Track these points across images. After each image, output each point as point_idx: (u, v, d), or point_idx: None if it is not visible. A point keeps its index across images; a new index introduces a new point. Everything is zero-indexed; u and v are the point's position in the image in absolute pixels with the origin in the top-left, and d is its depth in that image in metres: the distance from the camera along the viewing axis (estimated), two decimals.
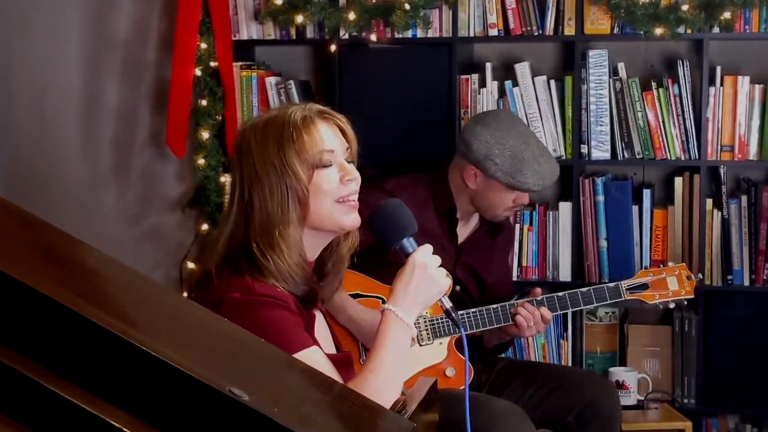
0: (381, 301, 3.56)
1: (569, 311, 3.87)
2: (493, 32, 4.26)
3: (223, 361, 1.40)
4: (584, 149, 4.23)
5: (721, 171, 4.16)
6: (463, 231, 3.79)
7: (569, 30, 4.21)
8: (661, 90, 4.18)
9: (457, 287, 3.71)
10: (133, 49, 4.53)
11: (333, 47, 4.32)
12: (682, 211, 4.21)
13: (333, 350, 2.52)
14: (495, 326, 3.61)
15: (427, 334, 3.60)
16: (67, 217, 4.19)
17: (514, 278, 4.24)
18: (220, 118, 4.39)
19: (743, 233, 4.17)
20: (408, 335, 2.33)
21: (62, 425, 1.20)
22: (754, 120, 4.15)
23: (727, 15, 4.05)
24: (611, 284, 3.67)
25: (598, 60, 4.19)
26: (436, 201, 3.71)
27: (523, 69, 4.27)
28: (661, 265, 3.86)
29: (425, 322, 3.58)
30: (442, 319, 3.58)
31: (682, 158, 4.19)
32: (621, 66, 4.23)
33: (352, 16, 4.22)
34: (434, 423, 1.97)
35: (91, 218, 4.41)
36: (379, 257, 3.06)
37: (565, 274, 4.29)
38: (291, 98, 4.35)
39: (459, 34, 4.28)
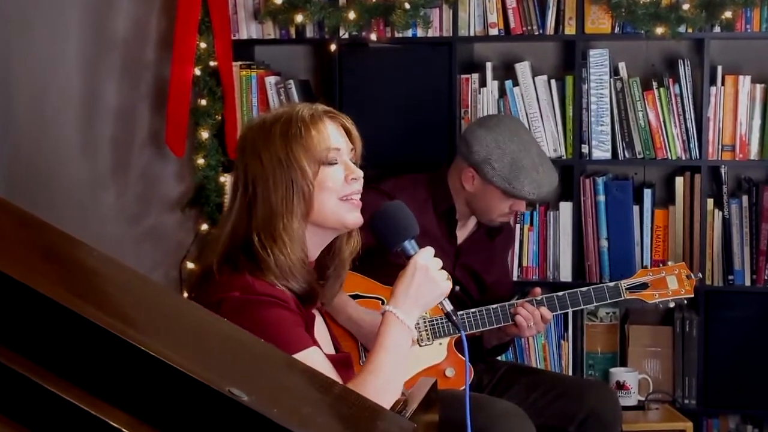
0: (380, 301, 3.55)
1: (569, 311, 3.86)
2: (494, 32, 4.26)
3: (222, 362, 1.40)
4: (585, 149, 4.23)
5: (722, 171, 4.16)
6: (463, 232, 3.79)
7: (570, 29, 4.21)
8: (662, 89, 4.17)
9: (457, 288, 3.70)
10: (132, 48, 4.52)
11: (333, 47, 4.31)
12: (683, 211, 4.20)
13: (332, 350, 2.52)
14: (495, 326, 3.60)
15: (427, 334, 3.59)
16: (66, 217, 4.18)
17: (515, 278, 4.24)
18: (220, 117, 4.38)
19: (744, 233, 4.16)
20: (408, 337, 2.33)
21: (61, 426, 1.19)
22: (755, 120, 4.14)
23: (728, 14, 4.04)
24: (611, 284, 3.66)
25: (598, 59, 4.19)
26: (435, 202, 3.70)
27: (523, 69, 4.26)
28: (662, 265, 3.85)
29: (425, 322, 3.57)
30: (441, 319, 3.57)
31: (683, 158, 4.18)
32: (622, 65, 4.23)
33: (352, 15, 4.21)
34: (434, 423, 1.97)
35: (91, 218, 4.41)
36: (378, 258, 3.05)
37: (565, 274, 4.28)
38: (291, 98, 4.34)
39: (459, 34, 4.27)
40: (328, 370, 2.25)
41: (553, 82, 4.26)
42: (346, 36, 4.31)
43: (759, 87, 4.14)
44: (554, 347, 4.32)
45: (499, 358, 3.98)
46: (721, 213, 4.16)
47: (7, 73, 3.99)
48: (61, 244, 1.46)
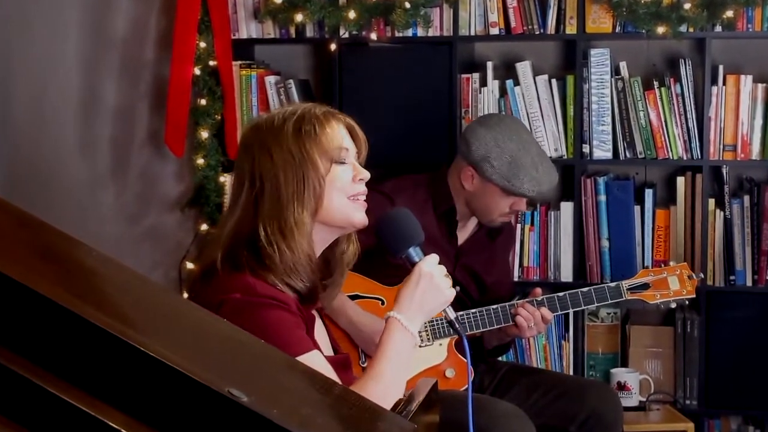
0: (380, 302, 3.55)
1: (570, 311, 3.85)
2: (494, 31, 4.25)
3: (222, 362, 1.40)
4: (586, 149, 4.22)
5: (724, 171, 4.15)
6: (463, 232, 3.78)
7: (571, 29, 4.20)
8: (663, 89, 4.16)
9: (457, 288, 3.68)
10: (131, 48, 4.52)
11: (333, 46, 4.30)
12: (684, 211, 4.20)
13: (330, 352, 2.52)
14: (495, 327, 3.59)
15: (427, 335, 3.58)
16: (65, 217, 4.18)
17: (516, 279, 4.23)
18: (220, 117, 4.37)
19: (746, 233, 4.15)
20: (411, 343, 2.35)
21: (60, 426, 1.19)
22: (756, 119, 4.14)
23: (729, 14, 4.03)
24: (612, 284, 3.65)
25: (599, 59, 4.18)
26: (435, 202, 3.69)
27: (524, 68, 4.26)
28: (663, 265, 3.84)
29: (424, 323, 3.56)
30: (441, 320, 3.56)
31: (685, 158, 4.18)
32: (623, 65, 4.22)
33: (352, 14, 4.21)
34: (435, 424, 1.95)
35: (90, 218, 4.40)
36: (378, 259, 3.05)
37: (566, 275, 4.27)
38: (291, 97, 4.34)
39: (460, 33, 4.26)
40: (328, 373, 2.24)
41: (554, 81, 4.25)
42: (346, 35, 4.30)
43: (760, 86, 4.13)
44: (555, 348, 4.31)
45: (500, 358, 3.97)
46: (722, 213, 4.15)
47: (7, 72, 3.99)
48: (60, 244, 1.46)
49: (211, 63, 4.34)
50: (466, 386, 3.50)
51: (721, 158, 4.17)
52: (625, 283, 3.64)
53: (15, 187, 3.99)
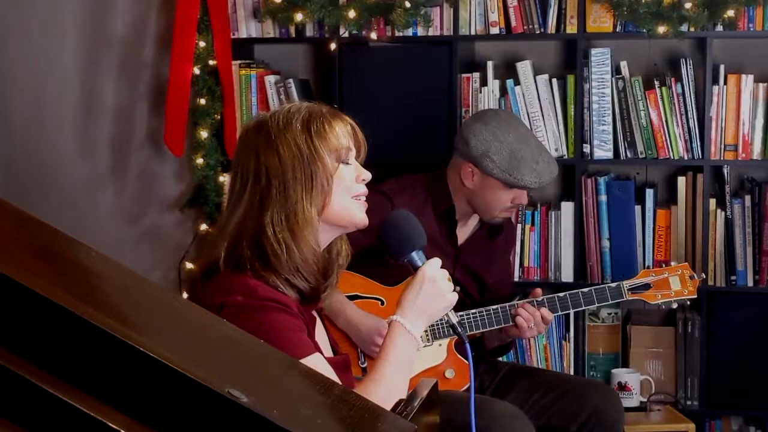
0: (380, 302, 3.55)
1: (571, 312, 3.84)
2: (495, 30, 4.24)
3: (221, 363, 1.39)
4: (586, 148, 4.21)
5: (725, 170, 4.15)
6: (463, 232, 3.77)
7: (571, 28, 4.20)
8: (664, 89, 4.16)
9: (457, 289, 3.68)
10: (130, 47, 4.51)
11: (333, 46, 4.30)
12: (685, 211, 4.19)
13: (330, 353, 2.52)
14: (495, 327, 3.58)
15: (426, 336, 3.58)
16: (64, 217, 4.17)
17: (516, 279, 4.22)
18: (219, 117, 4.37)
19: (747, 233, 4.15)
20: (414, 347, 2.37)
21: (59, 427, 1.18)
22: (758, 119, 4.13)
23: (730, 13, 4.03)
24: (613, 284, 3.64)
25: (600, 58, 4.17)
26: (434, 202, 3.68)
27: (524, 68, 4.25)
28: (664, 266, 3.83)
29: None
30: (440, 321, 3.55)
31: (685, 158, 4.17)
32: (624, 65, 4.21)
33: (352, 14, 4.20)
34: (435, 425, 1.95)
35: (89, 218, 4.40)
36: (377, 259, 3.04)
37: (567, 275, 4.26)
38: (290, 97, 4.33)
39: (460, 33, 4.26)
40: (330, 376, 2.23)
41: (554, 81, 4.25)
42: (346, 35, 4.29)
43: (762, 86, 4.13)
44: (556, 348, 4.31)
45: (500, 358, 3.96)
46: (723, 213, 4.15)
47: (5, 72, 3.98)
48: (60, 245, 1.45)
49: (211, 62, 4.34)
50: (466, 387, 3.51)
51: (722, 158, 4.16)
52: (626, 284, 3.63)
53: (14, 186, 3.98)
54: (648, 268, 3.94)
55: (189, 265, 4.37)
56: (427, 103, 4.28)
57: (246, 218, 2.33)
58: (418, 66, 4.30)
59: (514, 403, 3.44)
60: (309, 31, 4.38)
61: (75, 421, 1.18)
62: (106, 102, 4.48)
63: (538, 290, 3.62)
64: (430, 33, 4.28)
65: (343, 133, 2.38)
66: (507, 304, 3.60)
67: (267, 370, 1.51)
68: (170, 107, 4.29)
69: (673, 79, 4.15)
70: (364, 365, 3.51)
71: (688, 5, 4.03)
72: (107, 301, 1.37)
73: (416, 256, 2.41)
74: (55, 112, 4.27)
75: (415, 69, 4.30)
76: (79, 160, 4.40)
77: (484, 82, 4.29)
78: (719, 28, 4.10)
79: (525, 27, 4.22)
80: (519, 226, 4.26)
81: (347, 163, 2.39)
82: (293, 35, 4.40)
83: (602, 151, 4.21)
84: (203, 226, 4.39)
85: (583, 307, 3.69)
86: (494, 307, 3.59)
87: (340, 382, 2.26)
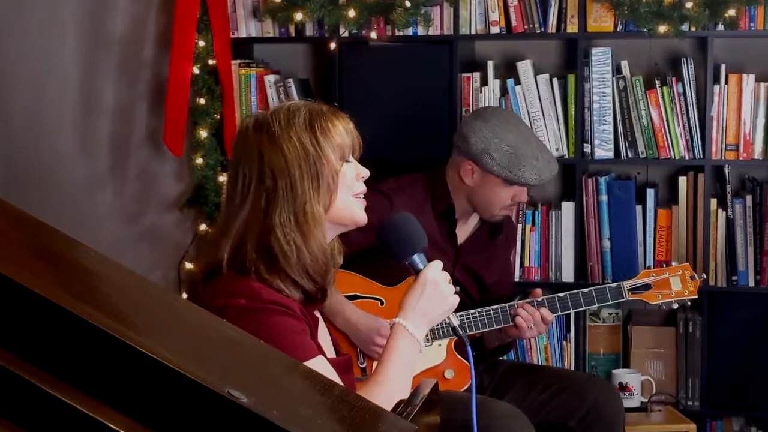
0: (379, 302, 3.54)
1: (571, 312, 3.83)
2: (495, 30, 4.24)
3: (221, 363, 1.39)
4: (587, 148, 4.20)
5: (726, 170, 4.14)
6: (463, 231, 3.76)
7: (572, 27, 4.19)
8: (665, 88, 4.15)
9: (457, 288, 3.67)
10: (130, 46, 4.51)
11: (333, 45, 4.29)
12: (686, 211, 4.18)
13: (333, 353, 2.52)
14: (495, 327, 3.58)
15: (426, 336, 3.56)
16: (63, 217, 4.17)
17: (516, 279, 4.21)
18: (219, 116, 4.37)
19: (748, 233, 4.14)
20: (416, 350, 2.38)
21: (58, 427, 1.18)
22: (759, 118, 4.12)
23: (731, 12, 4.02)
24: (613, 284, 3.63)
25: (601, 58, 4.16)
26: (434, 201, 3.68)
27: (525, 67, 4.24)
28: (665, 266, 3.82)
29: None
30: (442, 322, 3.54)
31: (686, 157, 4.16)
32: (624, 64, 4.21)
33: (352, 13, 4.19)
34: (436, 425, 1.94)
35: (88, 218, 4.39)
36: (377, 259, 3.03)
37: (567, 275, 4.26)
38: (290, 96, 4.33)
39: (460, 32, 4.25)
40: (333, 378, 2.23)
41: (555, 80, 4.24)
42: (346, 34, 4.29)
43: (763, 85, 4.12)
44: (556, 348, 4.30)
45: (499, 357, 3.95)
46: (724, 213, 4.14)
47: (4, 71, 3.97)
48: (59, 244, 1.45)
49: (210, 62, 4.33)
50: (466, 386, 3.50)
51: (723, 158, 4.15)
52: (627, 284, 3.63)
53: (13, 186, 3.97)
54: (649, 268, 3.94)
55: (188, 265, 4.37)
56: (427, 103, 4.27)
57: (251, 220, 2.31)
58: (419, 65, 4.29)
59: (514, 401, 3.43)
60: (309, 31, 4.37)
61: (74, 421, 1.18)
62: (106, 102, 4.48)
63: (538, 290, 3.61)
64: (431, 32, 4.27)
65: (345, 131, 2.37)
66: (507, 304, 3.59)
67: (267, 371, 1.50)
68: (170, 107, 4.29)
69: (674, 79, 4.15)
70: (364, 365, 3.51)
71: (689, 4, 4.02)
72: (107, 301, 1.37)
73: (417, 258, 2.42)
74: (54, 111, 4.27)
75: (415, 68, 4.30)
76: (79, 159, 4.39)
77: (484, 82, 4.28)
78: (720, 27, 4.10)
79: (525, 26, 4.21)
80: (519, 226, 4.25)
81: (348, 161, 2.39)
82: (293, 35, 4.39)
83: (603, 150, 4.20)
84: (203, 226, 4.39)
85: (584, 308, 3.68)
86: (494, 307, 3.58)
87: (342, 384, 2.27)
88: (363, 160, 2.47)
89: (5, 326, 1.21)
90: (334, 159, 2.33)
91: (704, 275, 3.82)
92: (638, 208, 4.23)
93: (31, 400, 1.18)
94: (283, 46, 4.58)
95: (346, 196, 2.38)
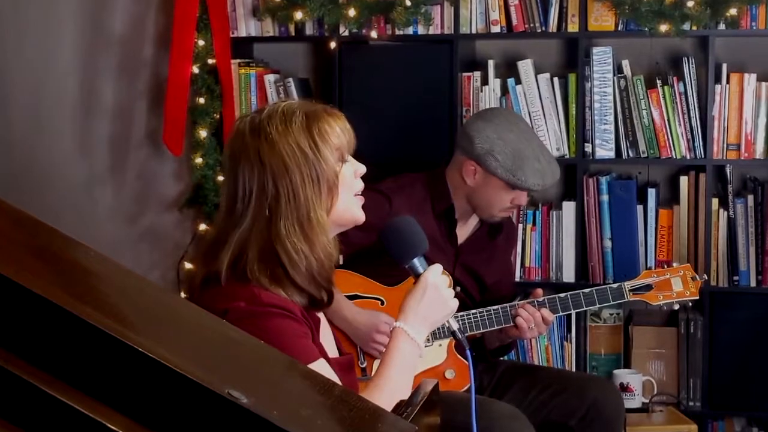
0: (380, 302, 3.54)
1: (572, 312, 3.82)
2: (496, 29, 4.23)
3: (221, 363, 1.38)
4: (588, 148, 4.20)
5: (727, 170, 4.13)
6: (463, 231, 3.75)
7: (573, 27, 4.18)
8: (666, 88, 4.14)
9: (458, 288, 3.66)
10: (129, 46, 4.51)
11: (333, 44, 4.28)
12: (687, 211, 4.18)
13: (335, 352, 2.51)
14: (496, 328, 3.57)
15: (427, 336, 3.55)
16: (62, 217, 4.17)
17: (517, 279, 4.20)
18: (218, 116, 4.36)
19: (750, 233, 4.13)
20: (417, 354, 2.38)
21: (57, 428, 1.18)
22: (760, 118, 4.12)
23: (733, 11, 4.01)
24: (614, 285, 3.62)
25: (602, 57, 4.16)
26: (434, 201, 3.67)
27: (526, 66, 4.23)
28: (666, 266, 3.81)
29: None
30: (441, 325, 3.53)
31: (688, 157, 4.16)
32: (625, 63, 4.20)
33: (352, 12, 4.19)
34: (436, 426, 1.93)
35: (88, 218, 4.39)
36: (377, 259, 3.02)
37: (568, 275, 4.25)
38: (290, 96, 4.32)
39: (461, 31, 4.24)
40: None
41: (556, 80, 4.24)
42: (346, 33, 4.28)
43: (764, 85, 4.12)
44: (557, 348, 4.30)
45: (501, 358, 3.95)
46: (726, 213, 4.13)
47: (2, 71, 3.97)
48: (58, 244, 1.44)
49: (210, 61, 4.33)
50: (466, 387, 3.50)
51: (724, 157, 4.15)
52: (628, 284, 3.62)
53: (11, 186, 3.97)
54: (650, 268, 3.93)
55: (188, 265, 4.36)
56: (427, 102, 4.26)
57: (253, 230, 2.28)
58: (419, 65, 4.28)
59: (513, 401, 3.43)
60: (309, 30, 4.37)
61: (73, 421, 1.18)
62: (105, 101, 4.48)
63: (539, 290, 3.60)
64: (431, 31, 4.26)
65: (342, 131, 2.35)
66: (507, 304, 3.59)
67: (267, 371, 1.50)
68: (169, 106, 4.28)
69: (675, 78, 4.14)
70: (364, 365, 3.50)
71: (690, 4, 4.01)
72: (106, 301, 1.36)
73: (418, 262, 2.42)
74: (53, 111, 4.27)
75: (415, 68, 4.29)
76: (78, 159, 4.39)
77: (485, 81, 4.27)
78: (722, 26, 4.09)
79: (526, 25, 4.20)
80: (520, 226, 4.24)
81: (346, 161, 2.38)
82: (293, 34, 4.38)
83: (604, 150, 4.19)
84: (202, 226, 4.38)
85: (585, 308, 3.67)
86: (494, 307, 3.57)
87: (342, 385, 2.26)
88: (363, 161, 2.45)
89: (4, 326, 1.20)
90: (333, 161, 2.31)
91: (705, 276, 3.81)
92: (639, 208, 4.22)
93: (30, 400, 1.18)
94: (282, 46, 4.57)
95: (347, 197, 2.37)
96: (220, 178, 4.34)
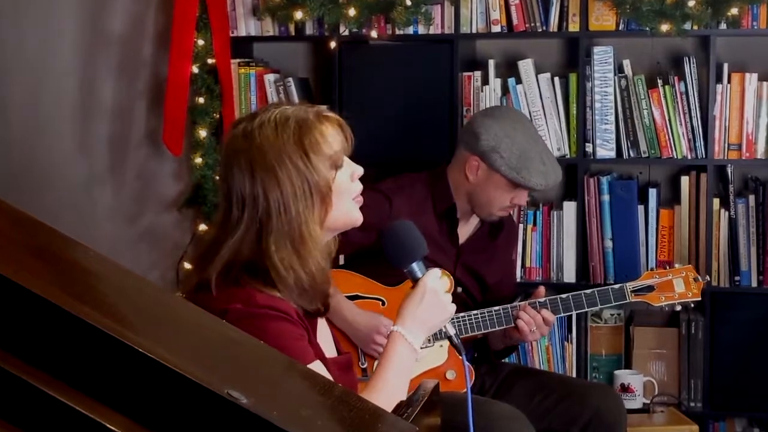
0: (380, 302, 3.53)
1: (573, 313, 3.81)
2: (496, 28, 4.22)
3: (220, 364, 1.38)
4: (589, 148, 4.19)
5: (729, 170, 4.12)
6: (464, 231, 3.75)
7: (574, 26, 4.18)
8: (667, 87, 4.14)
9: (459, 289, 3.66)
10: (129, 45, 4.51)
11: (333, 44, 4.28)
12: (688, 211, 4.17)
13: (334, 352, 2.51)
14: (498, 329, 3.56)
15: (427, 337, 3.55)
16: (61, 217, 4.17)
17: (518, 279, 4.20)
18: (218, 116, 4.36)
19: (751, 233, 4.13)
20: (413, 358, 2.39)
21: (57, 428, 1.18)
22: (762, 118, 4.11)
23: (734, 11, 4.01)
24: (616, 286, 3.62)
25: (603, 57, 4.15)
26: (435, 201, 3.66)
27: (526, 66, 4.23)
28: (668, 266, 3.80)
29: None
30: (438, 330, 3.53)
31: (689, 157, 4.15)
32: (626, 63, 4.19)
33: (352, 12, 4.18)
34: (436, 426, 1.93)
35: (87, 217, 4.39)
36: (378, 259, 3.01)
37: (569, 275, 4.24)
38: (290, 96, 4.32)
39: (461, 31, 4.24)
40: None
41: (556, 79, 4.23)
42: (346, 33, 4.27)
43: (766, 84, 4.11)
44: (558, 349, 4.29)
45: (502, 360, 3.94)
46: (727, 213, 4.12)
47: (1, 70, 3.96)
48: (57, 244, 1.44)
49: (210, 61, 4.32)
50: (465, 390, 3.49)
51: (725, 157, 4.14)
52: (629, 285, 3.61)
53: (11, 186, 3.97)
54: (651, 269, 3.93)
55: (187, 265, 4.35)
56: (427, 102, 4.26)
57: (245, 240, 2.27)
58: (419, 64, 4.28)
59: (516, 404, 3.42)
60: (308, 29, 4.36)
61: (73, 422, 1.17)
62: (105, 101, 4.48)
63: (541, 289, 3.59)
64: (431, 31, 4.26)
65: (334, 139, 2.32)
66: (509, 305, 3.58)
67: (266, 371, 1.50)
68: (169, 106, 4.28)
69: (676, 78, 4.13)
70: (364, 366, 3.50)
71: (691, 3, 4.01)
72: (105, 301, 1.36)
73: (416, 267, 2.41)
74: (53, 111, 4.26)
75: (415, 67, 4.28)
76: (77, 159, 4.39)
77: (485, 81, 4.27)
78: (723, 26, 4.08)
79: (527, 25, 4.20)
80: (521, 226, 4.24)
81: (341, 167, 2.34)
82: (293, 33, 4.38)
83: (605, 150, 4.19)
84: (201, 226, 4.38)
85: (586, 309, 3.66)
86: (495, 308, 3.56)
87: (341, 385, 2.26)
88: (363, 161, 2.44)
89: (3, 326, 1.20)
90: (326, 172, 2.29)
91: (707, 277, 3.80)
92: (640, 208, 4.21)
93: (29, 400, 1.18)
94: (282, 45, 4.57)
95: (344, 202, 2.34)
96: None
